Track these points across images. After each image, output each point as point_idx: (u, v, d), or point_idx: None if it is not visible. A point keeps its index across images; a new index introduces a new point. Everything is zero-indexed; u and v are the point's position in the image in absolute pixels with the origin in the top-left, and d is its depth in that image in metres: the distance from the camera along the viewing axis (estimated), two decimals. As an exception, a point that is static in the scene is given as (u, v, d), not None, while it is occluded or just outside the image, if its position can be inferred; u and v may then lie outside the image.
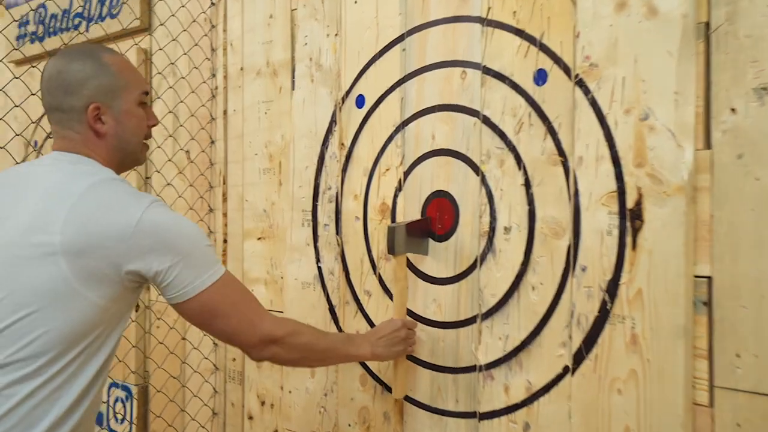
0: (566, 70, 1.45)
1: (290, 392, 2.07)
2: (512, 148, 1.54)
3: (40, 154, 2.96)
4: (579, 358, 1.44)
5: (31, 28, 3.13)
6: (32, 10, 3.08)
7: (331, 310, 1.94)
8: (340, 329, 1.91)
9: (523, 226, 1.52)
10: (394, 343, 1.65)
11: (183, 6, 2.33)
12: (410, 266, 1.74)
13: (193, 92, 2.30)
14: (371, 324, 1.84)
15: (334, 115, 1.92)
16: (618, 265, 1.38)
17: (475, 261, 1.61)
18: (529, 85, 1.51)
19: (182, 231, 1.34)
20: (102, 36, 2.65)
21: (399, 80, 1.75)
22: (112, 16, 2.64)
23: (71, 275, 1.25)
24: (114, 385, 2.67)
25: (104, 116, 1.40)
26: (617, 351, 1.38)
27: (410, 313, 1.74)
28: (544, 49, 1.49)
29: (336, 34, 1.91)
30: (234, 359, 2.28)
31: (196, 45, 2.28)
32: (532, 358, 1.52)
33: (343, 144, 1.90)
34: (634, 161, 1.35)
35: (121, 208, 1.29)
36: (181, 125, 2.34)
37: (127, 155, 1.47)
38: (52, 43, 2.94)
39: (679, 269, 1.30)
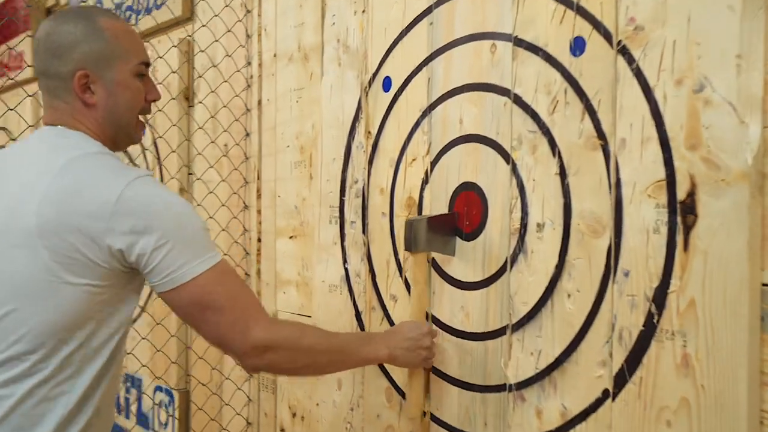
0: (607, 37, 1.22)
1: (318, 405, 1.90)
2: (546, 132, 1.31)
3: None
4: (621, 380, 1.20)
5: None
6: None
7: (358, 316, 1.76)
8: (366, 337, 1.72)
9: (558, 223, 1.29)
10: (416, 350, 1.44)
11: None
12: (436, 268, 1.54)
13: (225, 81, 2.17)
14: (397, 333, 1.64)
15: (360, 101, 1.74)
16: (667, 270, 1.13)
17: (505, 263, 1.39)
18: (565, 57, 1.28)
19: (170, 209, 1.20)
20: (151, 27, 2.57)
21: (426, 58, 1.56)
22: (158, 7, 2.56)
23: (51, 261, 1.14)
24: (158, 388, 2.58)
25: (94, 85, 1.28)
26: (666, 374, 1.13)
27: (436, 321, 1.54)
28: (582, 12, 1.26)
29: (363, 11, 1.73)
30: (267, 366, 2.13)
31: (228, 31, 2.15)
32: (568, 378, 1.29)
33: (369, 132, 1.71)
34: (686, 143, 1.11)
35: (101, 184, 1.16)
36: (212, 116, 2.21)
37: (119, 130, 1.33)
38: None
39: (741, 275, 1.04)
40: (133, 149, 2.65)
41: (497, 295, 1.41)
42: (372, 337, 1.42)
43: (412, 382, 1.51)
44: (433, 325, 1.53)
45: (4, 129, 3.97)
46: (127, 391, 2.82)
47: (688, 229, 1.10)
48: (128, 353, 2.27)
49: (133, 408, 2.76)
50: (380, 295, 1.68)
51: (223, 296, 1.21)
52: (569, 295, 1.28)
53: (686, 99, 1.10)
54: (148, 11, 2.61)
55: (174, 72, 2.30)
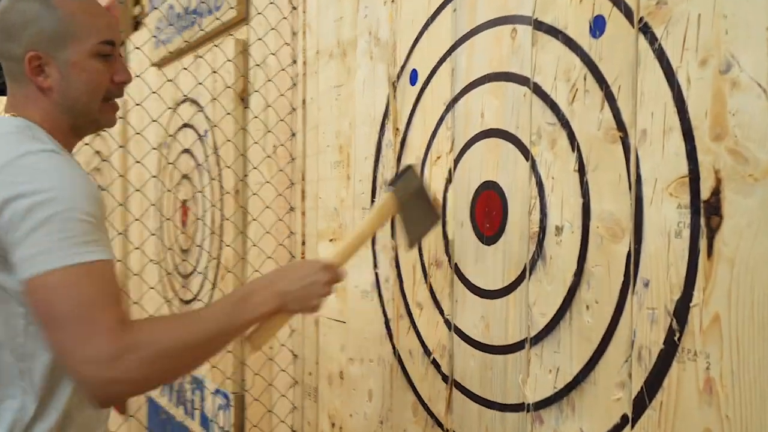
0: (628, 14, 1.07)
1: (351, 416, 1.81)
2: (565, 123, 1.18)
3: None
4: (640, 405, 1.05)
5: (164, 32, 3.16)
6: (163, 15, 3.11)
7: (387, 324, 1.66)
8: (395, 349, 1.62)
9: (577, 225, 1.16)
10: (311, 291, 1.21)
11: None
12: (458, 274, 1.42)
13: (270, 81, 2.13)
14: (423, 345, 1.53)
15: (389, 95, 1.65)
16: (689, 280, 0.98)
17: (524, 270, 1.26)
18: (584, 39, 1.15)
19: (64, 182, 1.04)
20: (213, 29, 2.57)
21: (450, 48, 1.45)
22: (217, 9, 2.56)
23: None
24: (217, 391, 2.57)
25: (48, 68, 1.18)
26: (688, 401, 0.98)
27: (457, 330, 1.42)
28: (602, -12, 1.12)
29: (392, 1, 1.63)
30: (310, 373, 2.06)
31: (272, 29, 2.10)
32: (586, 399, 1.14)
33: (397, 129, 1.62)
34: (711, 132, 0.95)
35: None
36: (255, 117, 2.18)
37: (78, 116, 1.22)
38: (177, 43, 2.93)
39: (771, 288, 0.88)
40: (199, 151, 2.67)
41: (516, 304, 1.28)
42: (250, 293, 1.17)
43: (274, 319, 1.22)
44: (332, 261, 1.27)
45: (97, 135, 4.12)
46: (193, 392, 2.83)
47: (712, 233, 0.95)
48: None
49: (197, 409, 2.77)
50: (407, 302, 1.58)
51: (74, 303, 0.99)
52: (588, 307, 1.14)
53: (711, 81, 0.95)
54: (210, 13, 2.62)
55: (221, 74, 2.29)
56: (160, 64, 3.07)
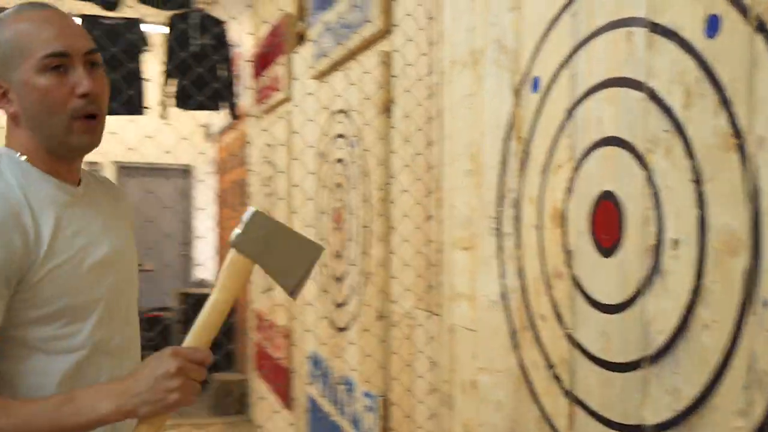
0: (744, 11, 0.99)
1: (480, 426, 1.80)
2: (680, 130, 1.11)
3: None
4: (761, 436, 0.96)
5: (324, 43, 3.30)
6: (322, 30, 3.24)
7: (512, 335, 1.63)
8: (521, 360, 1.60)
9: (693, 239, 1.08)
10: (160, 395, 1.05)
11: (420, 5, 2.20)
12: (578, 287, 1.37)
13: (407, 91, 2.16)
14: (546, 358, 1.49)
15: (514, 103, 1.62)
16: (810, 301, 0.89)
17: (642, 284, 1.20)
18: (698, 40, 1.07)
19: None
20: (361, 42, 2.65)
21: (569, 53, 1.40)
22: (364, 23, 2.63)
23: None
24: (366, 394, 2.65)
25: (10, 94, 1.14)
26: (810, 434, 0.89)
27: (578, 345, 1.37)
28: (716, -16, 1.04)
29: (517, 8, 1.61)
30: (446, 381, 2.07)
31: (409, 40, 2.14)
32: (706, 425, 1.07)
33: (520, 138, 1.59)
34: (832, 138, 0.86)
35: None
36: (393, 127, 2.22)
37: (47, 139, 1.16)
38: (332, 56, 3.04)
39: None
40: (348, 160, 2.76)
41: (634, 320, 1.22)
42: (85, 395, 1.07)
43: (149, 420, 1.09)
44: (195, 349, 1.12)
45: (267, 145, 4.39)
46: (346, 392, 2.93)
47: (834, 250, 0.85)
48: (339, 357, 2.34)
49: (348, 409, 2.86)
50: (531, 313, 1.55)
51: None
52: (705, 326, 1.06)
53: (832, 82, 0.86)
54: (358, 27, 2.70)
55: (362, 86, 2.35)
56: (318, 76, 3.21)
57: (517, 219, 1.60)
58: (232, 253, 1.15)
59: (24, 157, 1.17)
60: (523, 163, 1.58)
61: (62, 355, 1.15)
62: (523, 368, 1.58)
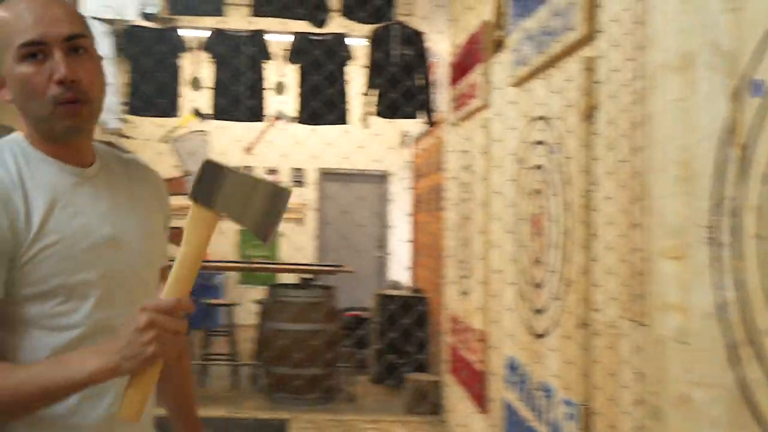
0: None
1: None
2: None
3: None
4: None
5: (524, 51, 3.31)
6: (521, 37, 3.25)
7: (731, 348, 1.56)
8: (740, 377, 1.52)
9: None
10: (136, 350, 1.08)
11: (627, 9, 2.17)
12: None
13: (612, 97, 2.13)
14: (769, 374, 1.42)
15: (732, 108, 1.55)
16: None
17: None
18: None
19: None
20: (564, 48, 2.64)
21: (797, 55, 1.33)
22: (567, 30, 2.61)
23: None
24: (566, 402, 2.63)
25: (6, 84, 1.21)
26: None
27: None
28: None
29: (735, 9, 1.54)
30: (653, 393, 2.02)
31: (615, 45, 2.10)
32: None
33: (739, 144, 1.52)
34: None
35: None
36: (594, 133, 2.19)
37: (35, 124, 1.21)
38: (532, 63, 3.05)
39: None
40: (549, 167, 2.76)
41: None
42: (74, 356, 1.12)
43: (134, 381, 1.14)
44: (157, 307, 1.11)
45: (465, 152, 4.47)
46: (545, 398, 2.92)
47: None
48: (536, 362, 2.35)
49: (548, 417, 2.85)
50: (752, 328, 1.48)
51: None
52: None
53: None
54: (560, 33, 2.69)
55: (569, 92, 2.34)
56: (517, 83, 3.23)
57: (736, 228, 1.53)
58: (192, 207, 1.16)
59: (28, 141, 1.23)
60: (743, 170, 1.51)
61: (59, 331, 1.20)
62: (743, 385, 1.51)
